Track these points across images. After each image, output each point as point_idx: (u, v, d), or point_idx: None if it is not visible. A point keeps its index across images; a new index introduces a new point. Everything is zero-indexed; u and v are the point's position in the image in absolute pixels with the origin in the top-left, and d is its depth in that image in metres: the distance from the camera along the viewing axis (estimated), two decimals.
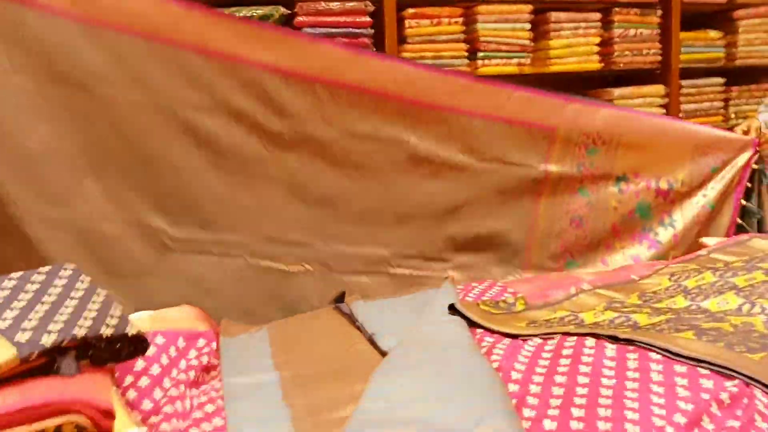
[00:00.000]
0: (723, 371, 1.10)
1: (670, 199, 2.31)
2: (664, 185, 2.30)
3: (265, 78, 1.87)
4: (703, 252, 2.05)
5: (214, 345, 1.51)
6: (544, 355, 1.25)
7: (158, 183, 1.86)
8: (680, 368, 1.13)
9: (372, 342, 1.50)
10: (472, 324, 1.50)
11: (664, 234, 2.32)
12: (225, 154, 1.90)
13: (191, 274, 1.92)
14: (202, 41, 1.81)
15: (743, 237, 2.11)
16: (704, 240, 2.22)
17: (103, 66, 1.73)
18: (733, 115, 3.31)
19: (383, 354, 1.41)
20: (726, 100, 3.33)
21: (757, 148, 2.37)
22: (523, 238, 2.25)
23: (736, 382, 1.07)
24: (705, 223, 2.34)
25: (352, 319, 1.65)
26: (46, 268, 1.31)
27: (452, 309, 1.55)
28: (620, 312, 1.45)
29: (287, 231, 2.00)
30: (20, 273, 1.27)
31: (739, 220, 2.38)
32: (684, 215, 2.33)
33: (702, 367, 1.12)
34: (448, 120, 2.07)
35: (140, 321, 1.51)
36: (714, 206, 2.32)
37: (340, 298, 1.80)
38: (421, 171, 2.08)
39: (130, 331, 1.16)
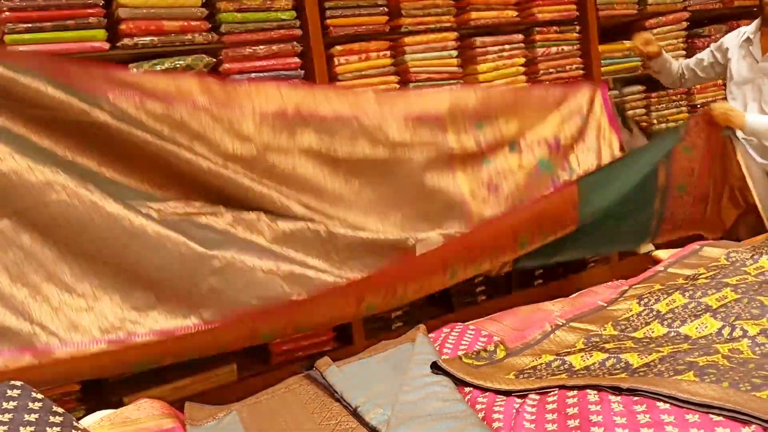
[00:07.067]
0: (736, 416, 1.07)
1: (562, 151, 2.69)
2: (552, 141, 2.68)
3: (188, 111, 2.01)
4: (660, 267, 2.06)
5: None
6: (549, 416, 1.19)
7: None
8: (692, 417, 1.09)
9: (357, 415, 1.40)
10: (459, 380, 1.44)
11: (568, 179, 2.69)
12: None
13: None
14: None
15: (695, 246, 2.14)
16: (657, 253, 2.25)
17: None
18: (655, 121, 3.41)
19: (372, 430, 1.33)
20: (647, 106, 3.43)
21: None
22: (460, 209, 2.52)
23: (753, 428, 1.04)
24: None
25: (328, 389, 1.55)
26: None
27: (435, 367, 1.48)
28: (607, 352, 1.41)
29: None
30: None
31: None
32: (579, 160, 2.73)
33: (713, 413, 1.09)
34: (348, 123, 2.29)
35: (101, 428, 1.37)
36: (595, 148, 2.76)
37: (309, 365, 1.70)
38: (344, 169, 2.29)
39: None
